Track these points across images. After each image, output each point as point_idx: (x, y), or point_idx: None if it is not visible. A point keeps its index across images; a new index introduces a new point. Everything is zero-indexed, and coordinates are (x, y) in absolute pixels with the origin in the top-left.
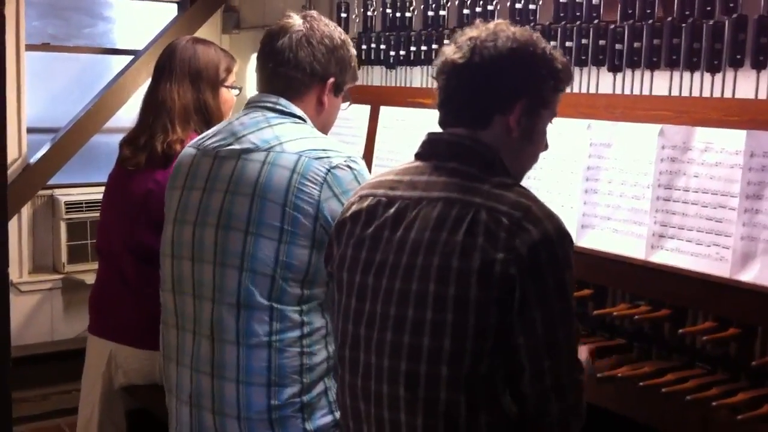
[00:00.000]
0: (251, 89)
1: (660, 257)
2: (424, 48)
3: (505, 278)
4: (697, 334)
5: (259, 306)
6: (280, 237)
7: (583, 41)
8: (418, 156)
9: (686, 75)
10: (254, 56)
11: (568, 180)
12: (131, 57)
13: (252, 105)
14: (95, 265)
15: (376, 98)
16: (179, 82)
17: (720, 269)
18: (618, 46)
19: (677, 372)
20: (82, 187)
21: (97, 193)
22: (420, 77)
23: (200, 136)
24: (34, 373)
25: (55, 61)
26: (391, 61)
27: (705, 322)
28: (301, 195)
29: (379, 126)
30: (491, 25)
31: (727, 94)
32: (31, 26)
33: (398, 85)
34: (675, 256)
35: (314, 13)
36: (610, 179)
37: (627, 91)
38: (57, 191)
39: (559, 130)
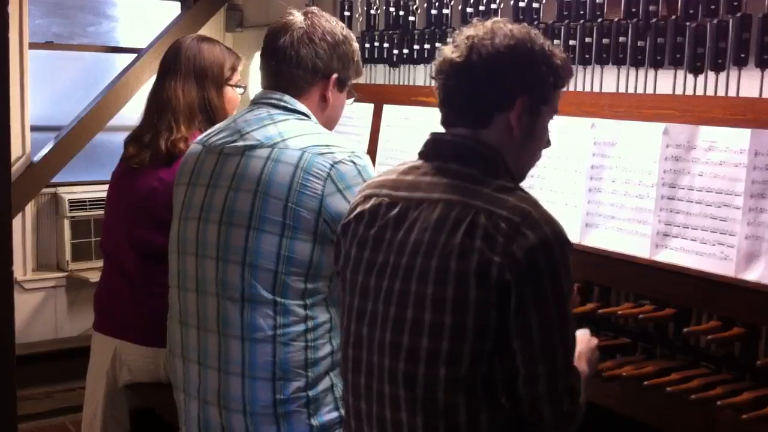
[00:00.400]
0: (254, 87)
1: (664, 256)
2: (427, 46)
3: (501, 282)
4: (702, 334)
5: (263, 300)
6: (282, 232)
7: (587, 40)
8: (422, 155)
9: (690, 74)
10: (257, 54)
11: (571, 179)
12: (135, 55)
13: (256, 102)
14: (99, 263)
15: (379, 96)
16: (184, 80)
17: (724, 268)
18: (622, 39)
19: (681, 371)
20: (86, 185)
21: (100, 191)
22: (423, 75)
23: (206, 133)
24: (38, 371)
25: (58, 60)
26: (395, 59)
27: (709, 321)
28: (305, 190)
29: (382, 124)
30: (489, 23)
31: (732, 93)
32: (35, 24)
33: (401, 83)
34: (679, 255)
35: (315, 9)
36: (614, 178)
37: (631, 90)
38: (60, 189)
39: (562, 128)
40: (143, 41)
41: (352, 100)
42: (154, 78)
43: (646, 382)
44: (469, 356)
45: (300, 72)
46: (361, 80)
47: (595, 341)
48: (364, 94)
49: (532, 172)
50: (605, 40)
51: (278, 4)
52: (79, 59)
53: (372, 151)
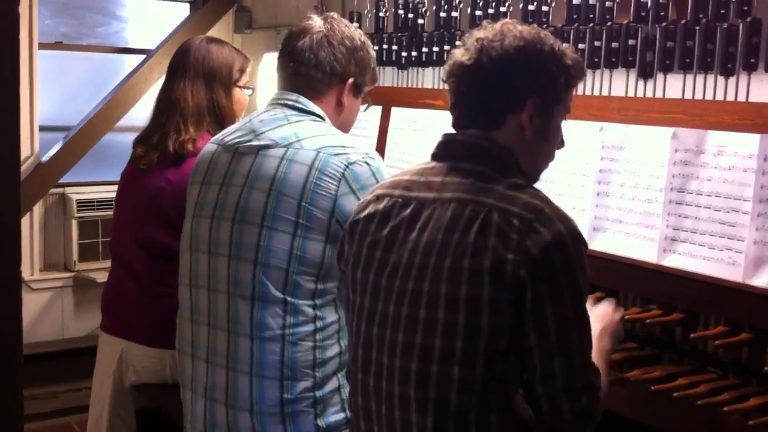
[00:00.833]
0: (262, 89)
1: (672, 261)
2: (435, 49)
3: (515, 279)
4: (709, 339)
5: (273, 299)
6: (295, 231)
7: (596, 43)
8: (434, 156)
9: (699, 78)
10: (266, 56)
11: (580, 183)
12: (143, 56)
13: (273, 103)
14: (106, 264)
15: (387, 99)
16: (193, 81)
17: (732, 273)
18: (631, 42)
19: (688, 376)
20: (94, 185)
21: (108, 192)
22: (431, 78)
23: (222, 133)
24: (44, 370)
25: (67, 60)
26: (403, 61)
27: (717, 326)
28: (319, 190)
29: (390, 126)
30: (498, 24)
31: (741, 98)
32: (44, 25)
33: (410, 86)
34: (687, 259)
35: (335, 14)
36: (622, 182)
37: (640, 94)
38: (69, 189)
39: (571, 132)
40: (152, 42)
41: (366, 106)
42: (162, 79)
43: (653, 387)
44: (483, 355)
45: (318, 74)
46: None
47: (618, 315)
48: (372, 96)
49: (541, 175)
50: (614, 44)
51: (287, 6)
52: (88, 60)
53: (380, 153)
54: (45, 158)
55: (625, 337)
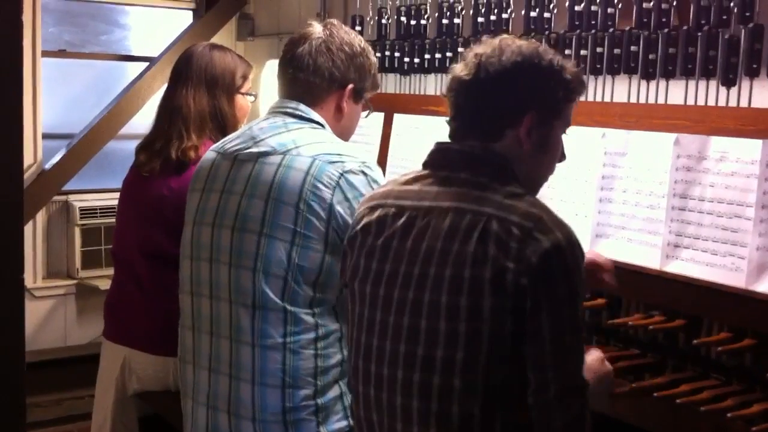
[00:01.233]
0: (265, 96)
1: (675, 267)
2: (438, 56)
3: (517, 288)
4: (712, 345)
5: (273, 307)
6: (293, 239)
7: (598, 50)
8: (427, 165)
9: (702, 84)
10: (269, 63)
11: (582, 189)
12: (146, 64)
13: (273, 111)
14: (109, 271)
15: (389, 105)
16: (195, 88)
17: (735, 279)
18: (633, 49)
19: (692, 383)
20: (97, 192)
21: (111, 199)
22: (434, 85)
23: (222, 140)
24: (47, 378)
25: (70, 68)
26: (405, 68)
27: (720, 332)
28: (314, 198)
29: (392, 133)
30: (496, 40)
31: (743, 104)
32: (48, 33)
33: (412, 92)
34: (690, 266)
35: (335, 21)
36: (624, 188)
37: (642, 100)
38: (71, 197)
39: (573, 138)
40: (155, 50)
41: (367, 112)
42: (165, 86)
43: (656, 393)
44: (485, 364)
45: (317, 80)
46: None
47: (608, 366)
48: (374, 102)
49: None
50: (616, 50)
51: (290, 13)
52: (91, 67)
53: (382, 160)
54: (48, 166)
55: (628, 343)
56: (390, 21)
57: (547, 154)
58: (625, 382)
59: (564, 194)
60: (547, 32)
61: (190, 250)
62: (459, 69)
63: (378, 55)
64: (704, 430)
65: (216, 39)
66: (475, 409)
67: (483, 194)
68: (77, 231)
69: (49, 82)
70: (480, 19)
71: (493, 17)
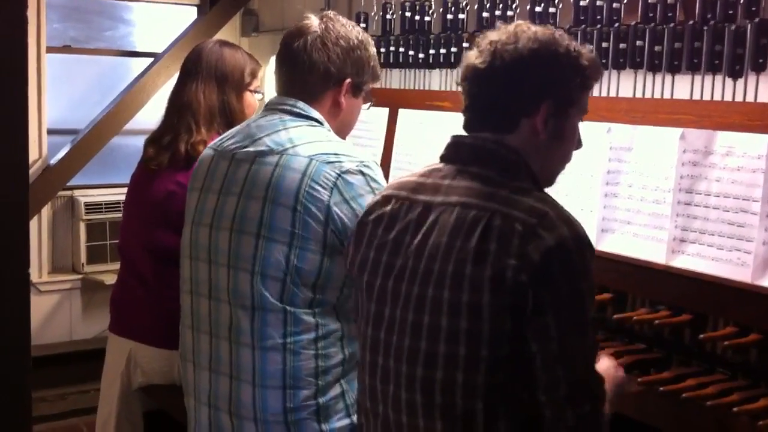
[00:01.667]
0: (270, 92)
1: (681, 262)
2: (443, 51)
3: (516, 285)
4: (718, 340)
5: (272, 308)
6: (291, 241)
7: (604, 44)
8: (443, 158)
9: (708, 79)
10: (273, 59)
11: (588, 184)
12: (151, 60)
13: (270, 107)
14: (114, 266)
15: (394, 101)
16: (205, 83)
17: (741, 274)
18: (639, 44)
19: (697, 378)
20: (102, 188)
21: (116, 195)
22: (439, 80)
23: (219, 138)
24: (52, 372)
25: (75, 64)
26: (410, 63)
27: (725, 327)
28: (311, 199)
29: (397, 129)
30: (512, 26)
31: (749, 98)
32: (52, 29)
33: (417, 88)
34: (696, 260)
35: (332, 13)
36: (630, 183)
37: (648, 95)
38: (77, 192)
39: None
40: (159, 46)
41: (368, 105)
42: (170, 82)
43: (661, 388)
44: (485, 361)
45: (312, 78)
46: (377, 84)
47: (621, 372)
48: (379, 98)
49: None
50: (622, 45)
51: (294, 8)
52: (95, 63)
53: (387, 156)
54: (53, 161)
55: (634, 338)
56: (394, 16)
57: (564, 143)
58: (633, 379)
59: (569, 189)
60: (561, 30)
61: (189, 250)
62: (473, 56)
63: (382, 50)
64: (709, 425)
65: (220, 35)
66: (479, 404)
67: (491, 189)
68: (82, 226)
69: (54, 78)
70: (485, 14)
71: (498, 12)
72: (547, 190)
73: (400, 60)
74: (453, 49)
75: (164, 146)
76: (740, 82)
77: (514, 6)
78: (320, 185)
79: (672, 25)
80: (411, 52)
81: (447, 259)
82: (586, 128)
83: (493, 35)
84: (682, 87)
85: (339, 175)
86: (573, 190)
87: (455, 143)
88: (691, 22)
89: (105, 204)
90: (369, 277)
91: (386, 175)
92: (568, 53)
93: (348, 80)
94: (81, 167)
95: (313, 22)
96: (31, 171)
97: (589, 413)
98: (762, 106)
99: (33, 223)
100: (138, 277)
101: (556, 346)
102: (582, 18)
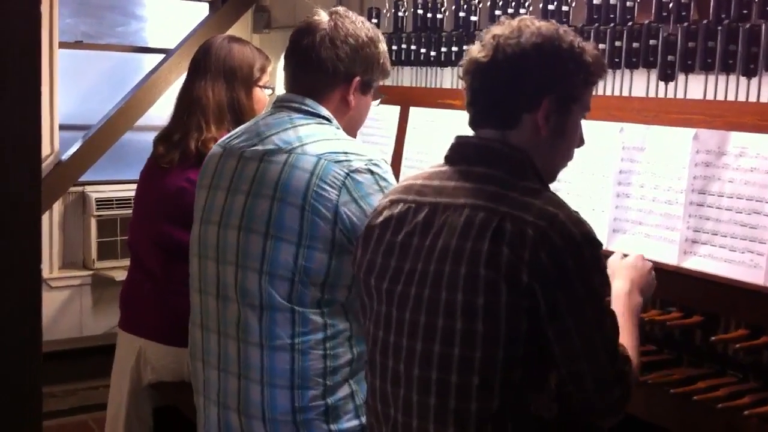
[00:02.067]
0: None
1: (692, 263)
2: (454, 49)
3: (530, 288)
4: (729, 342)
5: (281, 308)
6: (299, 241)
7: (617, 43)
8: (447, 159)
9: (721, 78)
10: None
11: (599, 184)
12: (163, 55)
13: (278, 105)
14: (125, 262)
15: (405, 99)
16: (214, 80)
17: (754, 276)
18: (652, 43)
19: (708, 380)
20: (113, 184)
21: (127, 191)
22: (450, 78)
23: (228, 135)
24: (62, 368)
25: (87, 59)
26: (422, 61)
27: (737, 329)
28: (320, 198)
29: (408, 127)
30: (515, 21)
31: (763, 99)
32: (64, 24)
33: (428, 86)
34: (708, 262)
35: (341, 9)
36: (642, 183)
37: (660, 95)
38: (88, 188)
39: (590, 132)
40: (171, 42)
41: (377, 101)
42: (182, 78)
43: (672, 390)
44: (502, 363)
45: (321, 75)
46: (388, 82)
47: (648, 265)
48: (390, 96)
49: (559, 176)
50: (635, 44)
51: (305, 5)
52: (107, 59)
53: (398, 153)
54: (65, 157)
55: (644, 339)
56: (407, 13)
57: (566, 140)
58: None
59: (580, 189)
60: (565, 25)
61: (197, 248)
62: (476, 50)
63: (394, 47)
64: (720, 428)
65: (231, 31)
66: (492, 406)
67: (498, 190)
68: (93, 222)
69: (65, 74)
70: (497, 12)
71: (510, 10)
72: (560, 189)
73: (412, 58)
74: (465, 48)
75: (174, 144)
76: (754, 82)
77: (527, 4)
78: (328, 184)
79: (686, 24)
80: (423, 50)
81: (459, 262)
82: (598, 128)
83: (496, 29)
84: (696, 87)
85: (347, 175)
86: (585, 190)
87: (460, 144)
88: (705, 21)
89: (116, 200)
90: (376, 282)
91: (397, 173)
92: (571, 49)
93: (357, 78)
94: (92, 163)
95: (323, 18)
96: (42, 166)
97: (618, 397)
98: None
99: (44, 219)
100: (148, 274)
101: (578, 344)
102: (595, 16)
